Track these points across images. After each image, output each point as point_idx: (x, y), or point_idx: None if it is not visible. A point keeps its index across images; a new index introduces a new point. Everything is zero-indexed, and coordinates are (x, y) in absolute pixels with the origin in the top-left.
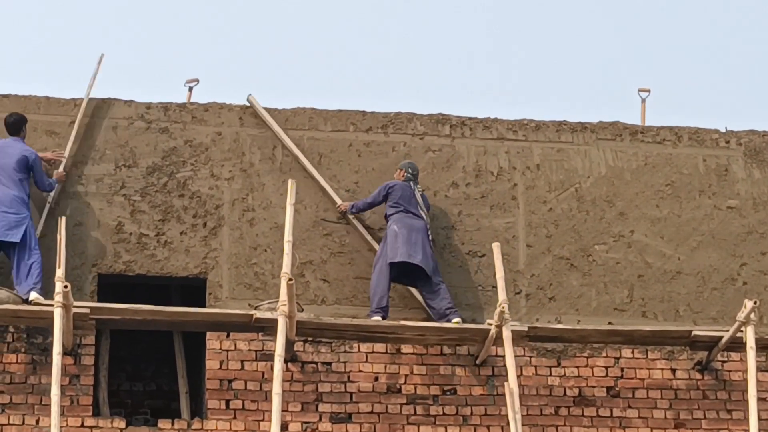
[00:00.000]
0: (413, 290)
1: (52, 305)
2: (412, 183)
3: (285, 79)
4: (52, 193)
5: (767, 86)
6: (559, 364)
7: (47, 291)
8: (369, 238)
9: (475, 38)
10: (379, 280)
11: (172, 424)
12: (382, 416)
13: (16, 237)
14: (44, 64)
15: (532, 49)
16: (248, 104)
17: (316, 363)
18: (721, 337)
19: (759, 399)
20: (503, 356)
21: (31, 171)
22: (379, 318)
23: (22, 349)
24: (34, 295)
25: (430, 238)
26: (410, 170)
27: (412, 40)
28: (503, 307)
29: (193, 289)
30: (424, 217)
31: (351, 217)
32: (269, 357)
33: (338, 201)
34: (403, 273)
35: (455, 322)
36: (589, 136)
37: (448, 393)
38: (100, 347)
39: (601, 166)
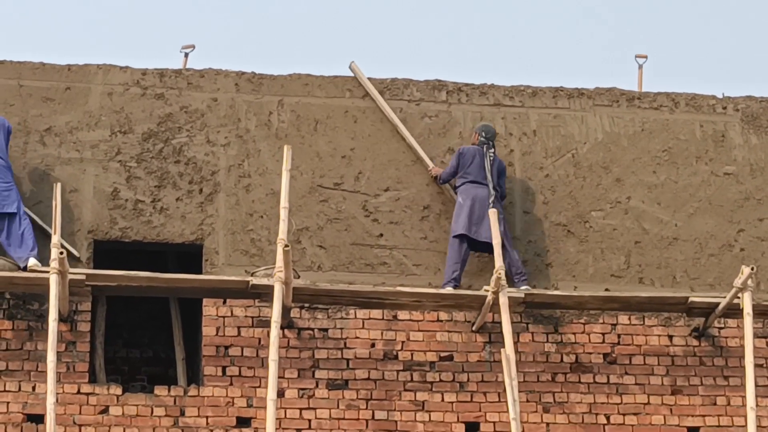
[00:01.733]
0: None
1: (48, 272)
2: (485, 147)
3: (281, 45)
4: None
5: (765, 52)
6: (555, 331)
7: (43, 257)
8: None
9: (472, 4)
10: (450, 253)
11: (169, 390)
12: (378, 383)
13: (12, 207)
14: (39, 29)
15: (529, 15)
16: (352, 73)
17: (312, 329)
18: (718, 304)
19: (756, 365)
20: (500, 323)
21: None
22: (451, 288)
23: (18, 316)
24: (32, 262)
25: (501, 203)
26: (484, 133)
27: (409, 6)
28: (500, 274)
29: (189, 256)
30: (490, 183)
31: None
32: (266, 323)
33: (430, 165)
34: (475, 243)
35: (523, 289)
36: (585, 102)
37: (444, 359)
38: (96, 314)
39: (597, 132)
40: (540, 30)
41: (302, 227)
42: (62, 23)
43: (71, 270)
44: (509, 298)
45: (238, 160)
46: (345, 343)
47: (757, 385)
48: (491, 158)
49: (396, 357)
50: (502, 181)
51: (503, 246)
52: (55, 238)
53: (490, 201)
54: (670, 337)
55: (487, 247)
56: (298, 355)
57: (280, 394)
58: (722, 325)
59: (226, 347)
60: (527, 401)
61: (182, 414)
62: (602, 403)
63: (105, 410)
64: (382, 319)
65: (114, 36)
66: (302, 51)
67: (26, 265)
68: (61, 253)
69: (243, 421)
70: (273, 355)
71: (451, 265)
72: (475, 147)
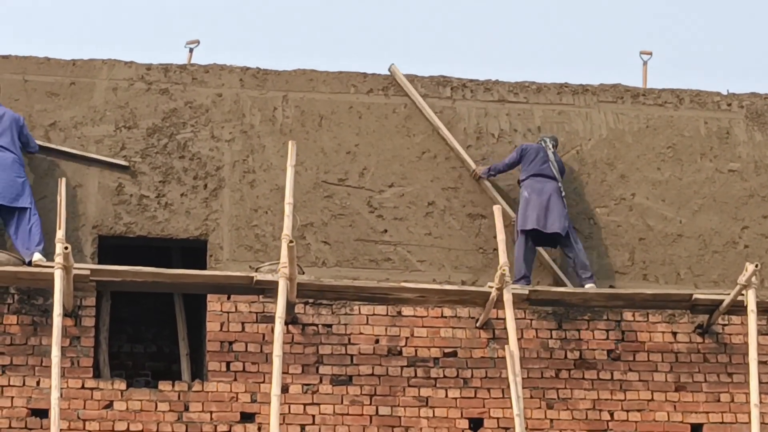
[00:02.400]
0: (544, 254)
1: (53, 267)
2: (544, 144)
3: (286, 41)
4: None
5: None
6: (559, 327)
7: (48, 252)
8: (501, 201)
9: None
10: (517, 250)
11: (173, 386)
12: (382, 378)
13: (25, 202)
14: (44, 24)
15: (534, 11)
16: (389, 73)
17: (316, 325)
18: (722, 301)
19: (759, 362)
20: (504, 319)
21: (21, 133)
22: (523, 285)
23: (23, 311)
24: (37, 257)
25: (563, 196)
26: (542, 136)
27: (414, 2)
28: (504, 270)
29: (193, 251)
30: (557, 177)
31: (485, 179)
32: (270, 319)
33: (473, 166)
34: (541, 237)
35: (588, 287)
36: (590, 98)
37: (448, 355)
38: (101, 309)
39: (602, 128)
40: (544, 26)
41: (306, 223)
42: (67, 18)
43: (76, 265)
44: (513, 294)
45: (243, 156)
46: (349, 339)
47: (760, 382)
48: (553, 152)
49: (400, 353)
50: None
51: (570, 239)
52: (60, 234)
53: (561, 191)
54: (674, 333)
55: (552, 240)
56: (302, 351)
57: (284, 389)
58: (726, 322)
59: (231, 343)
60: (531, 397)
61: (186, 409)
62: (606, 400)
63: (109, 405)
64: (386, 314)
65: (119, 31)
66: (307, 46)
67: (31, 260)
68: (66, 248)
69: (247, 417)
70: (277, 350)
71: (519, 263)
72: (537, 144)
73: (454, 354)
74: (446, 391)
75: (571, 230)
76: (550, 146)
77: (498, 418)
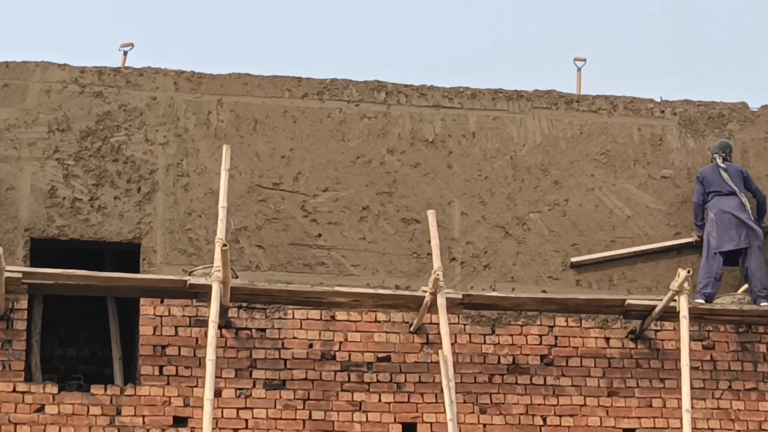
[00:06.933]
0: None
1: None
2: (716, 160)
3: (221, 44)
4: None
5: (702, 56)
6: (493, 332)
7: None
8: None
9: (413, 5)
10: (708, 267)
11: (105, 389)
12: (316, 383)
13: None
14: None
15: (469, 17)
16: None
17: (250, 329)
18: (654, 306)
19: (691, 368)
20: (437, 324)
21: None
22: (702, 301)
23: None
24: None
25: (747, 209)
26: (712, 147)
27: (349, 6)
28: (438, 275)
29: (126, 255)
30: (735, 190)
31: (702, 234)
32: (203, 323)
33: (694, 237)
34: (730, 255)
35: (762, 305)
36: (524, 104)
37: (382, 360)
38: (33, 312)
39: (536, 134)
40: (479, 32)
41: (240, 227)
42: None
43: (8, 268)
44: (447, 298)
45: (177, 159)
46: (282, 343)
47: (692, 388)
48: (724, 167)
49: (333, 357)
50: (752, 185)
51: (753, 251)
52: None
53: (746, 209)
54: (607, 339)
55: (732, 256)
56: (235, 355)
57: (217, 393)
58: (659, 328)
59: (164, 347)
60: (464, 402)
61: (118, 413)
62: (539, 405)
63: (41, 409)
64: (320, 319)
65: (53, 33)
66: (242, 51)
67: None
68: None
69: (180, 421)
70: (210, 354)
71: (703, 279)
72: (710, 165)
73: (388, 359)
74: (379, 395)
75: (754, 245)
76: (719, 161)
77: (431, 423)
